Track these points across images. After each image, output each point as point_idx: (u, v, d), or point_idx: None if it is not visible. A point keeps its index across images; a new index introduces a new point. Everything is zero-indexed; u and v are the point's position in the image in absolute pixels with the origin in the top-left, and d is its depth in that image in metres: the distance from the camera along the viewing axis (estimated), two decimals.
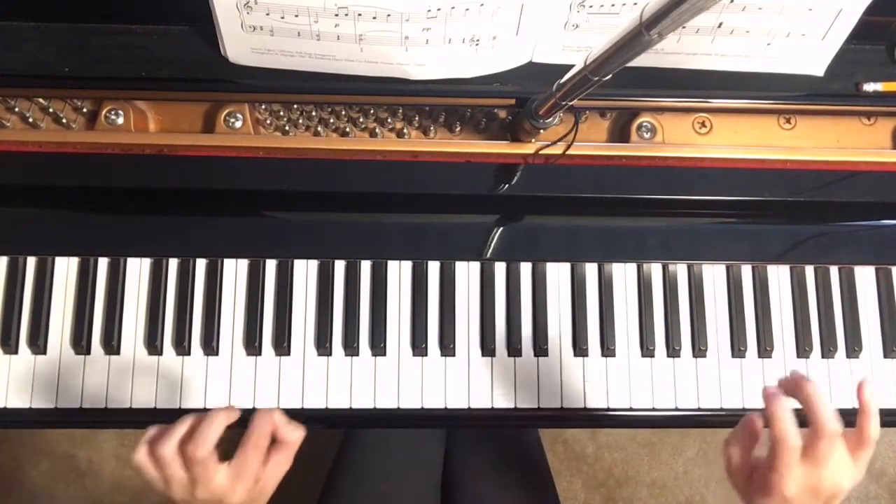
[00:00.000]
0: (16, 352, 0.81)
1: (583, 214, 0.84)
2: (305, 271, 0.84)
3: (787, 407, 0.58)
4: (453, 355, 0.83)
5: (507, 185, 0.81)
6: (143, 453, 0.62)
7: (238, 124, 0.80)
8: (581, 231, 0.85)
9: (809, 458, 0.57)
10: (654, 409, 0.84)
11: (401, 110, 0.82)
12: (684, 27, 0.72)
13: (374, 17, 0.69)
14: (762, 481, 0.58)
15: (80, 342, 0.81)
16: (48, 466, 1.61)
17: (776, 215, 0.86)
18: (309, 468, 1.56)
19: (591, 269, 0.86)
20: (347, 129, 0.82)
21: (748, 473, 0.60)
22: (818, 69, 0.80)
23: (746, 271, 0.87)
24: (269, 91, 0.79)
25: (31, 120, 0.80)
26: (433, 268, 0.85)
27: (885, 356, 0.86)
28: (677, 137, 0.84)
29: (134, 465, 0.63)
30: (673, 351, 0.84)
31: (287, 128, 0.82)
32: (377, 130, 0.82)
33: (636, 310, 0.85)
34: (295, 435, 0.65)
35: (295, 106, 0.81)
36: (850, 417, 0.86)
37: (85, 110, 0.81)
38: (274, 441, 0.65)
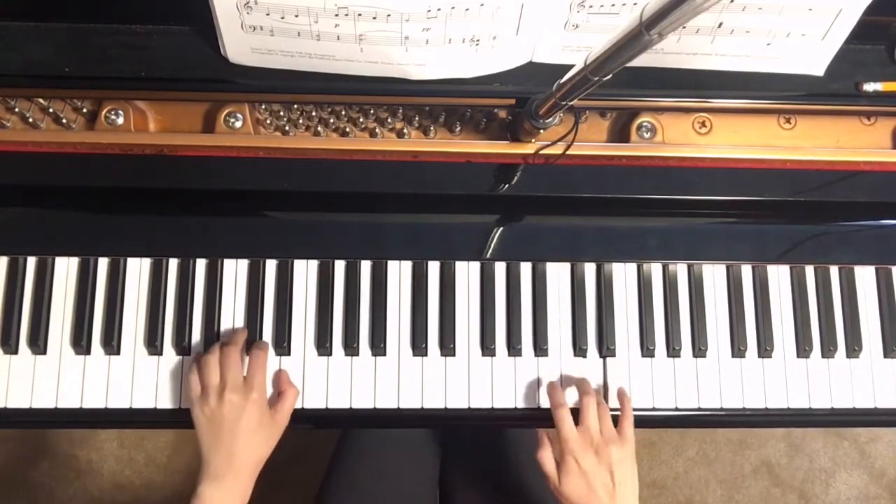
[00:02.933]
0: (16, 352, 0.81)
1: (583, 214, 0.84)
2: (305, 271, 0.84)
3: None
4: (453, 355, 0.83)
5: (507, 185, 0.81)
6: (190, 375, 0.77)
7: (238, 124, 0.80)
8: (581, 231, 0.85)
9: (580, 427, 0.76)
10: (654, 409, 0.84)
11: (401, 110, 0.82)
12: (684, 27, 0.72)
13: (374, 17, 0.69)
14: (562, 465, 0.75)
15: (80, 342, 0.81)
16: (48, 466, 1.61)
17: (776, 215, 0.86)
18: (307, 468, 1.56)
19: (590, 269, 0.86)
20: (347, 129, 0.82)
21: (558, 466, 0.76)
22: (818, 69, 0.80)
23: (746, 271, 0.87)
24: (269, 91, 0.79)
25: (31, 120, 0.80)
26: (433, 268, 0.85)
27: (885, 356, 0.86)
28: (677, 137, 0.84)
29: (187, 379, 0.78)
30: (673, 351, 0.85)
31: (287, 128, 0.82)
32: (377, 130, 0.82)
33: (636, 310, 0.85)
34: (291, 390, 0.80)
35: (295, 106, 0.81)
36: (850, 418, 0.86)
37: (85, 110, 0.81)
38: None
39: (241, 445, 0.73)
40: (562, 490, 0.74)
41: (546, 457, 0.76)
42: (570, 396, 0.82)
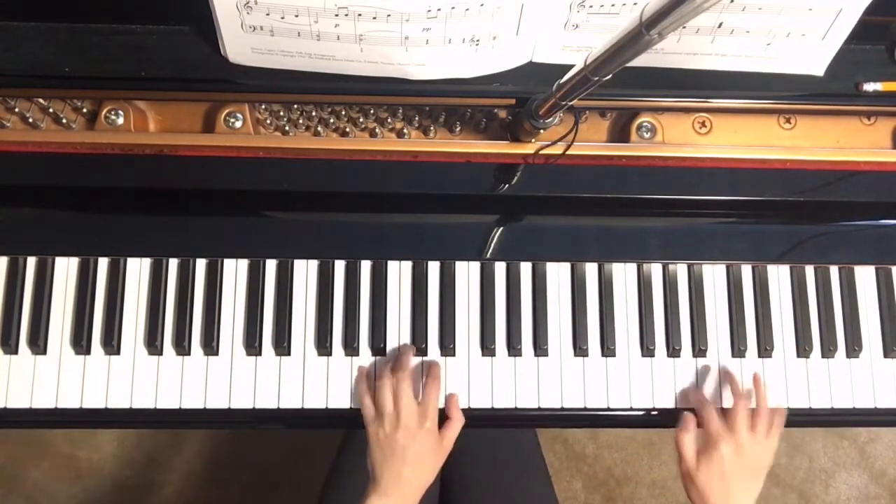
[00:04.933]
0: (16, 352, 0.81)
1: (583, 214, 0.84)
2: (305, 271, 0.84)
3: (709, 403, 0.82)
4: (453, 355, 0.83)
5: (507, 185, 0.81)
6: (364, 387, 0.80)
7: (238, 124, 0.80)
8: (581, 231, 0.85)
9: (730, 428, 0.78)
10: (654, 409, 0.84)
11: (401, 110, 0.82)
12: (684, 27, 0.72)
13: (374, 18, 0.69)
14: (704, 454, 0.77)
15: (80, 342, 0.81)
16: (48, 466, 1.61)
17: (776, 215, 0.86)
18: (309, 468, 1.56)
19: (591, 269, 0.86)
20: (347, 129, 0.82)
21: (698, 454, 0.78)
22: (818, 69, 0.80)
23: (746, 271, 0.87)
24: (269, 91, 0.79)
25: (31, 120, 0.80)
26: (433, 268, 0.85)
27: (885, 356, 0.86)
28: (677, 137, 0.84)
29: (358, 396, 0.81)
30: (673, 351, 0.85)
31: (287, 128, 0.82)
32: (377, 130, 0.82)
33: (636, 310, 0.85)
34: (458, 416, 0.81)
35: (295, 106, 0.81)
36: (850, 418, 0.86)
37: (85, 110, 0.81)
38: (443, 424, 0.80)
39: (410, 469, 0.75)
40: (697, 475, 0.77)
41: (688, 440, 0.78)
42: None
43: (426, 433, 0.77)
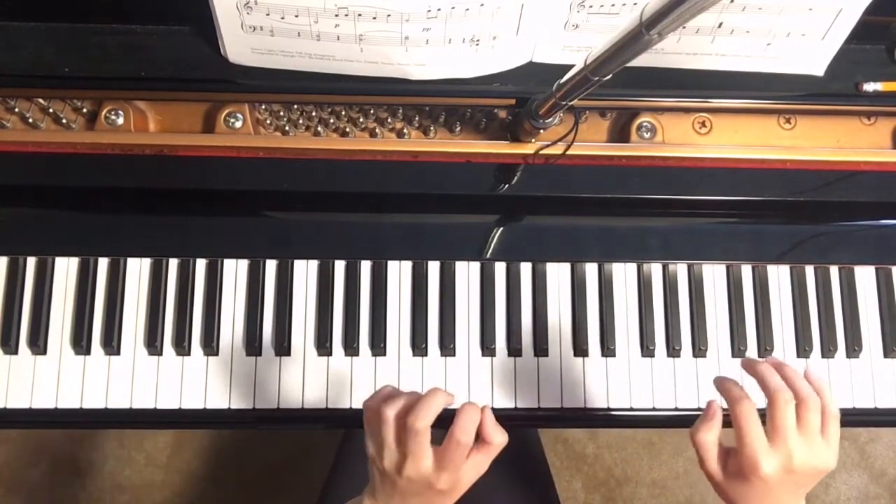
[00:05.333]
0: (16, 352, 0.81)
1: (583, 214, 0.84)
2: (305, 271, 0.84)
3: (742, 390, 0.62)
4: (453, 355, 0.83)
5: (507, 185, 0.81)
6: (372, 408, 0.63)
7: (238, 124, 0.80)
8: (581, 231, 0.85)
9: (774, 433, 0.59)
10: (654, 409, 0.84)
11: (401, 110, 0.82)
12: (684, 27, 0.72)
13: (374, 18, 0.69)
14: (737, 467, 0.60)
15: (80, 342, 0.81)
16: (48, 466, 1.61)
17: (776, 215, 0.86)
18: (309, 470, 1.56)
19: (591, 269, 0.86)
20: (347, 129, 0.82)
21: (724, 459, 0.62)
22: (818, 69, 0.80)
23: (746, 271, 0.87)
24: (269, 91, 0.79)
25: (31, 120, 0.80)
26: (433, 268, 0.85)
27: (885, 356, 0.86)
28: (677, 137, 0.84)
29: (365, 417, 0.65)
30: (673, 351, 0.85)
31: (287, 128, 0.82)
32: (377, 130, 0.82)
33: (636, 310, 0.85)
34: (500, 438, 0.64)
35: (295, 106, 0.81)
36: (850, 417, 0.86)
37: (85, 110, 0.81)
38: (477, 439, 0.63)
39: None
40: (764, 470, 0.59)
41: (711, 440, 0.62)
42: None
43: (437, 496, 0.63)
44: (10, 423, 0.82)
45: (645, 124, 0.83)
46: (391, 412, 0.62)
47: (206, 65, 0.77)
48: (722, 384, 0.64)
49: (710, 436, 0.62)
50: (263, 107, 0.81)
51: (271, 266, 0.84)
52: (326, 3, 0.68)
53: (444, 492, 0.62)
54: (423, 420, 0.60)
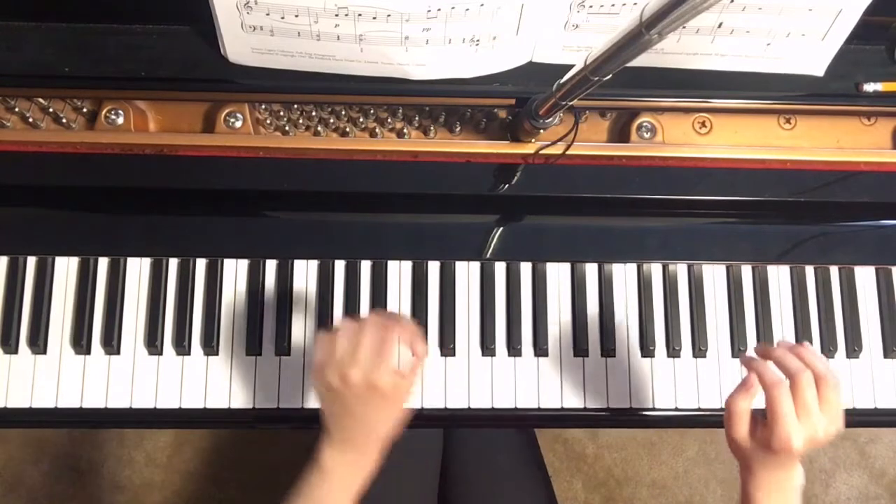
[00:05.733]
0: (16, 352, 0.81)
1: (583, 214, 0.84)
2: (305, 271, 0.84)
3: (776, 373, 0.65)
4: (453, 355, 0.83)
5: (507, 185, 0.81)
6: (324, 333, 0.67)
7: (238, 124, 0.80)
8: (581, 231, 0.85)
9: (802, 411, 0.63)
10: (654, 409, 0.84)
11: (401, 110, 0.82)
12: (684, 27, 0.72)
13: (374, 18, 0.69)
14: (766, 440, 0.64)
15: (80, 342, 0.81)
16: (48, 466, 1.61)
17: (776, 215, 0.86)
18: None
19: (591, 269, 0.86)
20: (347, 129, 0.82)
21: (752, 428, 0.66)
22: (818, 69, 0.80)
23: (746, 271, 0.87)
24: (269, 91, 0.79)
25: (31, 120, 0.80)
26: (433, 268, 0.85)
27: (885, 356, 0.86)
28: (677, 137, 0.84)
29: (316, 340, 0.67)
30: (673, 351, 0.85)
31: (287, 128, 0.82)
32: (377, 130, 0.82)
33: (636, 310, 0.85)
34: (422, 348, 0.69)
35: (295, 106, 0.81)
36: (850, 418, 0.86)
37: (85, 110, 0.81)
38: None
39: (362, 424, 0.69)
40: (795, 446, 0.63)
41: (744, 407, 0.66)
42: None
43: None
44: (10, 422, 0.82)
45: (645, 124, 0.83)
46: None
47: (205, 64, 0.77)
48: (757, 367, 0.67)
49: (745, 404, 0.66)
50: (263, 107, 0.81)
51: (271, 266, 0.84)
52: (326, 3, 0.68)
53: (387, 388, 0.65)
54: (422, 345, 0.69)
